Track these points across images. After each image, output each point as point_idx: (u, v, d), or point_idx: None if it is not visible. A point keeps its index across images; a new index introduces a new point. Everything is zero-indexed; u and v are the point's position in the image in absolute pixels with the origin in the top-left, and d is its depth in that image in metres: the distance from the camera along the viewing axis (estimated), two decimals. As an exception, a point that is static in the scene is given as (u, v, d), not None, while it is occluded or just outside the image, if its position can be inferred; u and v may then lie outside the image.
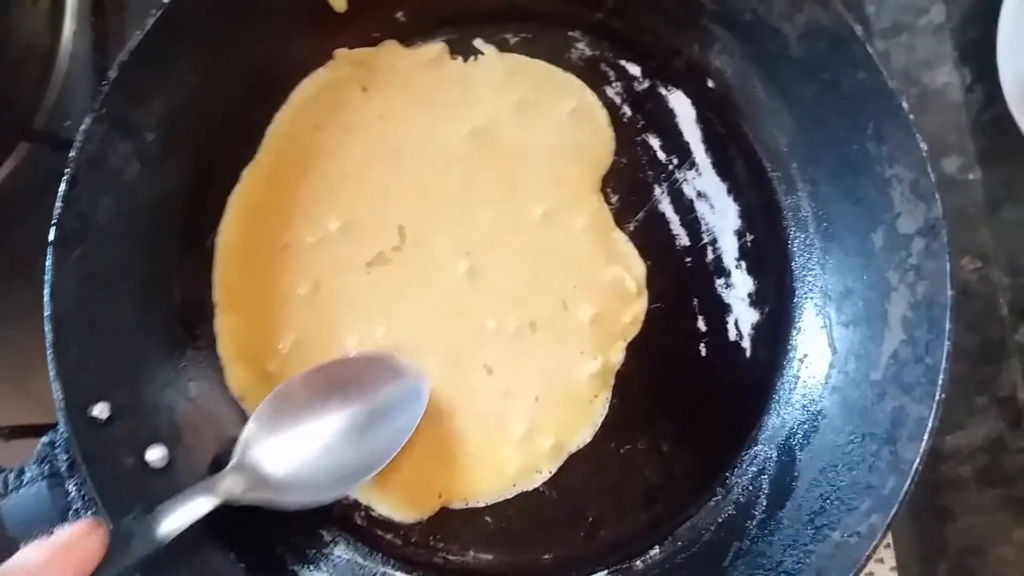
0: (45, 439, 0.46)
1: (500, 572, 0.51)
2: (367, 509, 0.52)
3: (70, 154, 0.46)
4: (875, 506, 0.43)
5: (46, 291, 0.46)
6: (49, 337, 0.45)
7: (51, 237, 0.46)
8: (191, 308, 0.52)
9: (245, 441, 0.47)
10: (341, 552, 0.51)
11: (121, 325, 0.49)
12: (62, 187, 0.46)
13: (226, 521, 0.45)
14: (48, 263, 0.46)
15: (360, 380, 0.49)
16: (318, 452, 0.47)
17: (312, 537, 0.52)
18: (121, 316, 0.49)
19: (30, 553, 0.36)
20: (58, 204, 0.46)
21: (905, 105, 0.44)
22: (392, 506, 0.51)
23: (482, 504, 0.51)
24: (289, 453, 0.47)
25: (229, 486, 0.45)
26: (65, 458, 0.45)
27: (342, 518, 0.52)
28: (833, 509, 0.45)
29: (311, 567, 0.50)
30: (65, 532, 0.37)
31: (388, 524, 0.52)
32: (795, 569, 0.45)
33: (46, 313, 0.46)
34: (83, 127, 0.46)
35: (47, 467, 0.45)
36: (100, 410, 0.46)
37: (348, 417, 0.48)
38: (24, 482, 0.45)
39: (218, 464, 0.49)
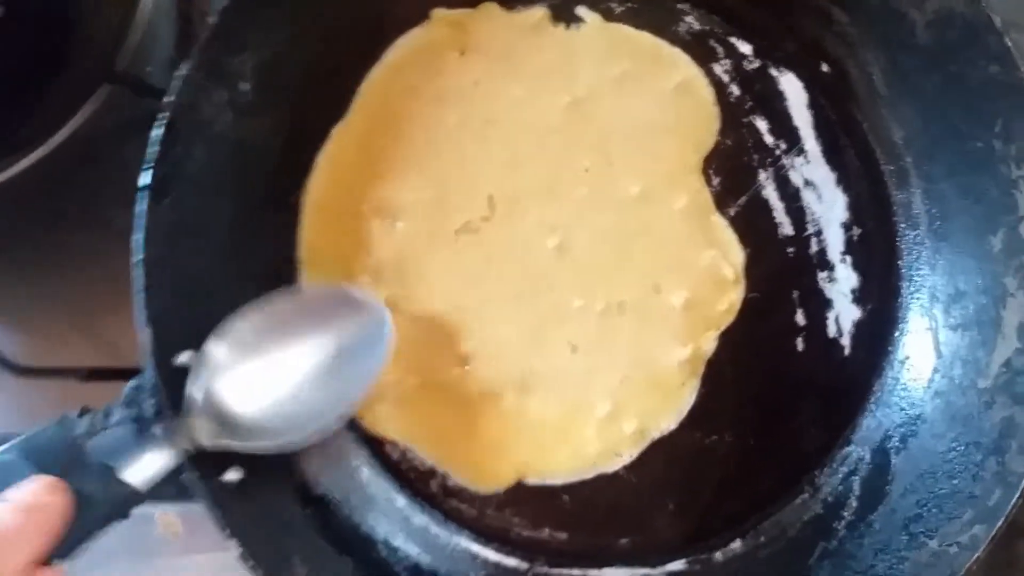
0: (132, 383, 0.45)
1: (574, 552, 0.50)
2: (444, 477, 0.51)
3: (165, 99, 0.45)
4: (978, 517, 0.42)
5: (138, 236, 0.45)
6: (139, 283, 0.45)
7: (144, 182, 0.46)
8: (276, 264, 0.52)
9: (207, 376, 0.44)
10: (416, 519, 0.51)
11: (208, 276, 0.48)
12: (157, 132, 0.45)
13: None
14: (141, 208, 0.45)
15: (324, 315, 0.47)
16: (288, 390, 0.45)
17: (385, 502, 0.51)
18: (208, 267, 0.48)
19: (2, 515, 0.35)
20: (152, 148, 0.45)
21: (1043, 103, 0.42)
22: (469, 475, 0.51)
23: (559, 482, 0.50)
24: (257, 391, 0.44)
25: (195, 434, 0.43)
26: (152, 404, 0.45)
27: (417, 485, 0.51)
28: (931, 516, 0.44)
29: (389, 533, 0.50)
30: (27, 492, 0.36)
31: (464, 493, 0.51)
32: (888, 574, 0.44)
33: (137, 258, 0.45)
34: (180, 72, 0.46)
35: (134, 411, 0.45)
36: (186, 358, 0.46)
37: (316, 353, 0.46)
38: (111, 423, 0.45)
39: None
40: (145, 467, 0.42)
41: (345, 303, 0.48)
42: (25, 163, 0.59)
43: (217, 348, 0.45)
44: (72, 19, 0.53)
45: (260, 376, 0.45)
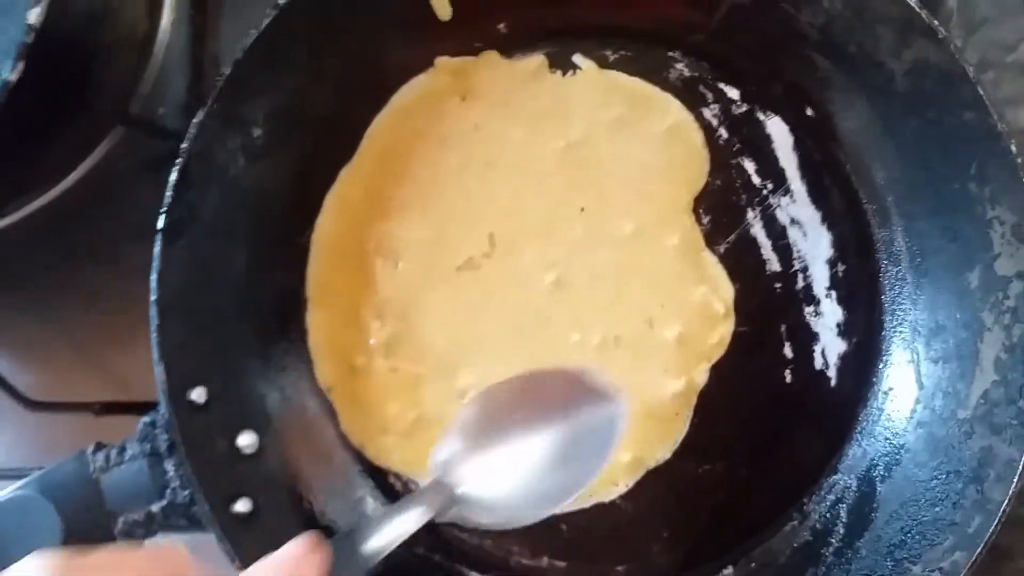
0: (146, 419, 0.47)
1: (572, 580, 0.52)
2: None
3: (181, 146, 0.47)
4: (958, 543, 0.43)
5: (153, 277, 0.47)
6: (154, 322, 0.47)
7: (160, 225, 0.47)
8: (284, 302, 0.53)
9: (447, 458, 0.45)
10: (418, 549, 0.52)
11: (219, 314, 0.50)
12: (172, 177, 0.47)
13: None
14: (156, 250, 0.47)
15: (563, 398, 0.47)
16: (522, 475, 0.45)
17: None
18: (220, 306, 0.50)
19: (255, 573, 0.35)
20: (168, 193, 0.47)
21: (1014, 148, 0.44)
22: None
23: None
24: (493, 474, 0.45)
25: (436, 502, 0.43)
26: (165, 438, 0.46)
27: None
28: (914, 543, 0.46)
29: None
30: (288, 550, 0.36)
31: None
32: (874, 600, 0.45)
33: (152, 298, 0.47)
34: (195, 120, 0.48)
35: (148, 446, 0.46)
36: (198, 394, 0.48)
37: (552, 439, 0.46)
38: (125, 459, 0.46)
39: (310, 453, 0.51)
40: (389, 532, 0.41)
41: (587, 387, 0.47)
42: (40, 202, 0.62)
43: (456, 435, 0.46)
44: (91, 68, 0.55)
45: (497, 464, 0.45)
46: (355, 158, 0.54)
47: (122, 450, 0.46)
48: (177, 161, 0.47)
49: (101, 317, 0.61)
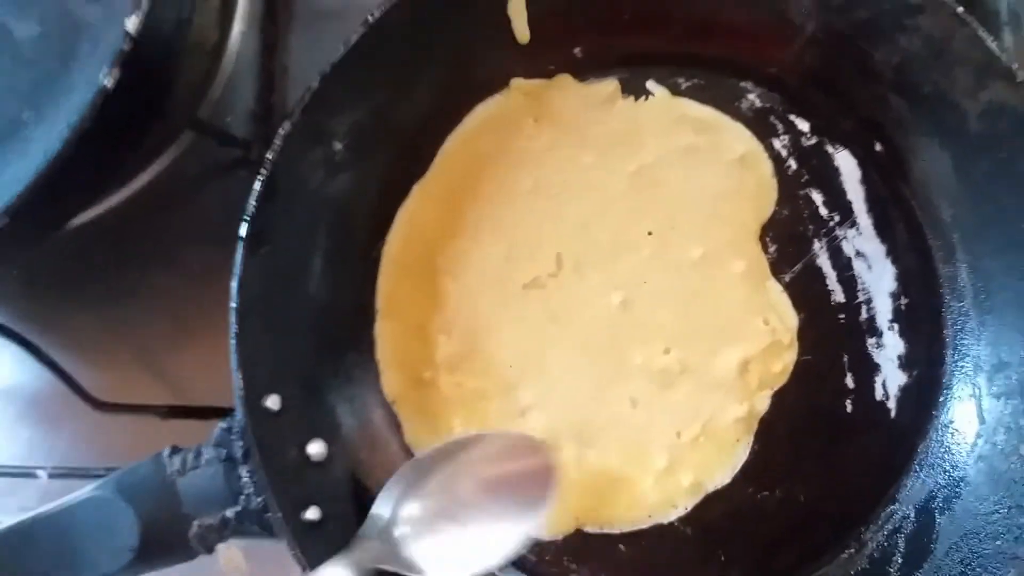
0: (223, 424, 0.47)
1: (629, 600, 0.52)
2: None
3: (267, 156, 0.48)
4: (1022, 577, 0.44)
5: (233, 284, 0.47)
6: (233, 329, 0.47)
7: (242, 233, 0.48)
8: (355, 314, 0.54)
9: (385, 515, 0.47)
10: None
11: (294, 324, 0.51)
12: (257, 186, 0.48)
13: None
14: (237, 258, 0.48)
15: (500, 459, 0.49)
16: (458, 533, 0.47)
17: None
18: (295, 315, 0.51)
19: None
20: (252, 202, 0.48)
21: (1086, 192, 0.45)
22: None
23: (617, 531, 0.52)
24: (432, 534, 0.46)
25: (369, 558, 0.45)
26: (240, 444, 0.47)
27: None
28: (974, 576, 0.46)
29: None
30: None
31: None
32: (935, 631, 0.46)
33: (232, 305, 0.47)
34: (282, 132, 0.48)
35: (223, 451, 0.47)
36: (273, 402, 0.48)
37: (491, 499, 0.48)
38: (201, 463, 0.47)
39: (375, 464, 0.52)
40: None
41: (524, 448, 0.49)
42: (108, 204, 0.62)
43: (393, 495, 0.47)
44: (169, 75, 0.56)
45: (437, 522, 0.47)
46: (428, 175, 0.55)
47: (198, 454, 0.47)
48: (262, 171, 0.48)
49: (166, 320, 0.62)
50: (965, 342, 0.52)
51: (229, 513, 0.47)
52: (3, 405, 0.63)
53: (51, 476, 0.59)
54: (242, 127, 0.63)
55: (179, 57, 0.57)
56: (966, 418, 0.51)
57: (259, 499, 0.46)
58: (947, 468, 0.51)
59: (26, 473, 0.59)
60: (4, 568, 0.45)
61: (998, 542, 0.46)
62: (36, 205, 0.47)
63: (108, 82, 0.46)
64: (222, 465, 0.47)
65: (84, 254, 0.62)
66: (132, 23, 0.47)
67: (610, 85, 0.56)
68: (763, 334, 0.53)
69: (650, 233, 0.54)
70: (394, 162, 0.54)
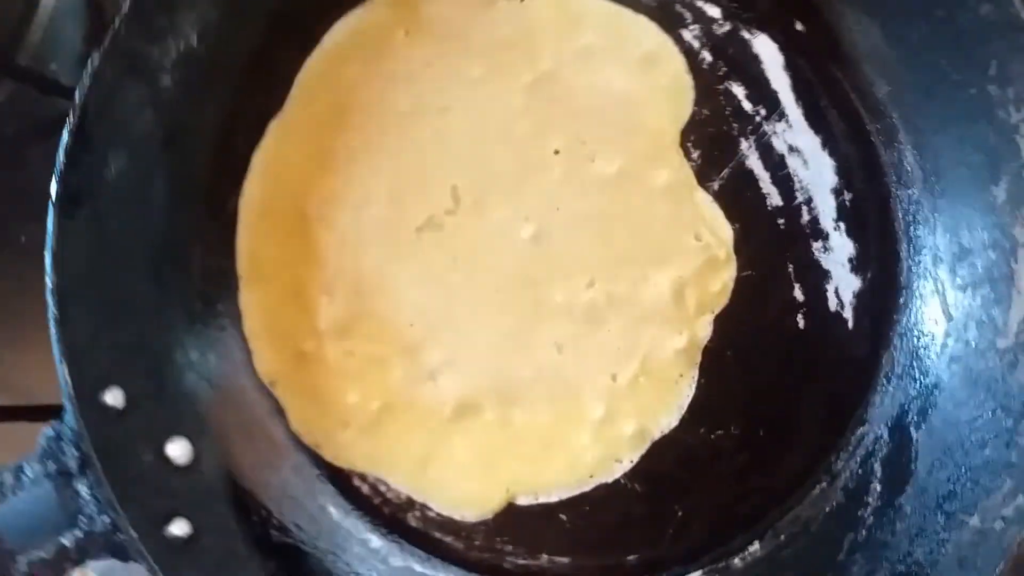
0: (48, 432, 0.39)
1: (579, 577, 0.46)
2: (423, 508, 0.47)
3: (75, 99, 0.40)
4: (1021, 485, 0.39)
5: (47, 258, 0.40)
6: (52, 312, 0.40)
7: (53, 195, 0.39)
8: (212, 280, 0.47)
9: None
10: (395, 560, 0.46)
11: (134, 299, 0.43)
12: (65, 136, 0.40)
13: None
14: (49, 225, 0.40)
15: None
16: None
17: (359, 544, 0.46)
18: (134, 288, 0.43)
19: None
20: (60, 156, 0.40)
21: (1041, 40, 0.40)
22: (452, 503, 0.47)
23: (555, 499, 0.47)
24: None
25: None
26: (75, 454, 0.38)
27: (393, 520, 0.47)
28: (966, 492, 0.41)
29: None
30: None
31: (447, 525, 0.47)
32: (929, 560, 0.40)
33: (48, 283, 0.40)
34: (90, 67, 0.40)
35: (52, 464, 0.38)
36: (114, 397, 0.41)
37: None
38: (25, 483, 0.38)
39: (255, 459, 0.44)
40: None
41: None
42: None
43: None
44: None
45: None
46: (284, 109, 0.48)
47: (19, 472, 0.38)
48: (69, 117, 0.40)
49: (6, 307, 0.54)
50: (920, 233, 0.47)
51: (67, 541, 0.39)
52: None
53: None
54: (69, 73, 0.55)
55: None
56: (931, 317, 0.46)
57: (105, 518, 0.38)
58: (917, 376, 0.46)
59: None
60: None
61: (986, 451, 0.41)
62: None
63: None
64: (52, 482, 0.38)
65: None
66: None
67: (490, -16, 0.48)
68: (696, 251, 0.47)
69: (557, 152, 0.48)
70: (240, 96, 0.47)
